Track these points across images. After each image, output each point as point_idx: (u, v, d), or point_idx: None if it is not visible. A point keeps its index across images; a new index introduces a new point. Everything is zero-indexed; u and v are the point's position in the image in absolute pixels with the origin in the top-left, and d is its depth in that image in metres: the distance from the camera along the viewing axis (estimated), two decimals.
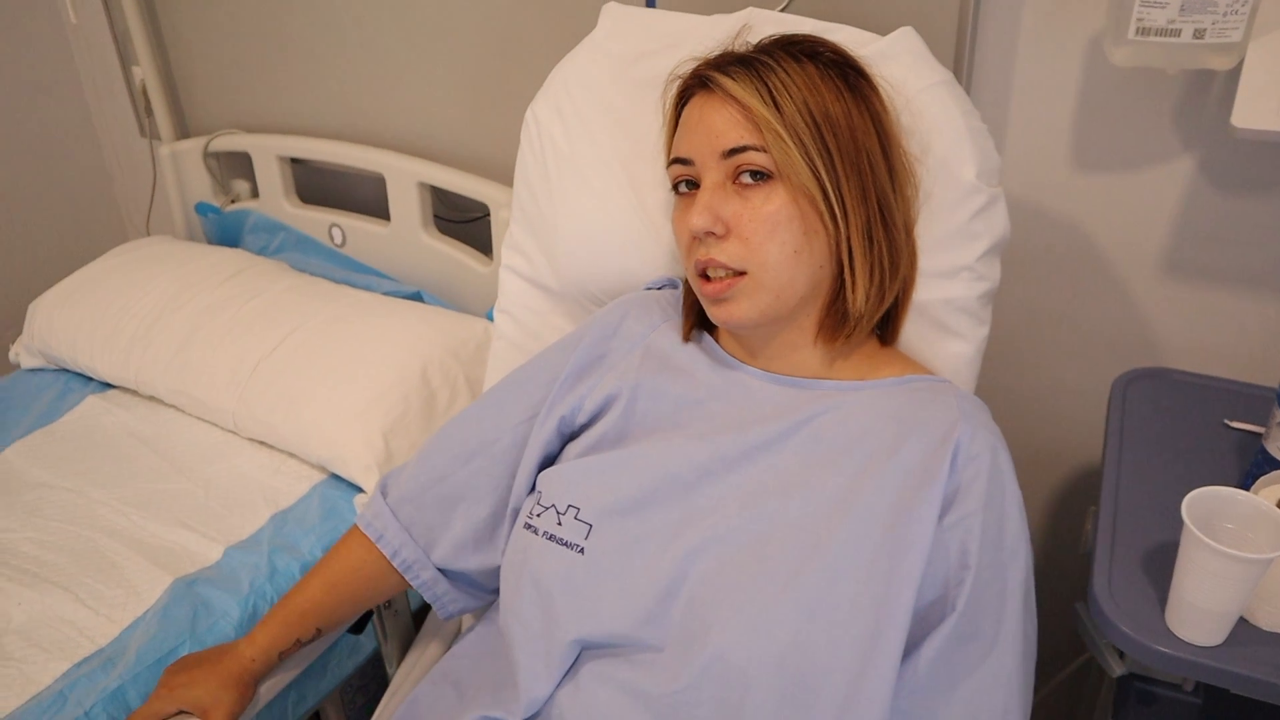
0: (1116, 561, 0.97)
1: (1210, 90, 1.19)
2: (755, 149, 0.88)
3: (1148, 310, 1.34)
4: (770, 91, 0.88)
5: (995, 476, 0.88)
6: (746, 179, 0.89)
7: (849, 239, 0.90)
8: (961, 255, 1.03)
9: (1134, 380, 1.25)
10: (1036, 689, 0.92)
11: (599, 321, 1.06)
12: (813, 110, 0.88)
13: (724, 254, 0.89)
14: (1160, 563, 0.96)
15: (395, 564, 1.07)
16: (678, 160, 0.94)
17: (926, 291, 1.03)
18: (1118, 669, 1.07)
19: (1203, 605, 0.86)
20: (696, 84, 0.94)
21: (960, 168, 1.01)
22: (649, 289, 1.12)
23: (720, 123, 0.89)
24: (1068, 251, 1.35)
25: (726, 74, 0.90)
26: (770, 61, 0.90)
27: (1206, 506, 0.87)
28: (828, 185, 0.88)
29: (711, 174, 0.90)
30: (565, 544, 0.90)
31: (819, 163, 0.88)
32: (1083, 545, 1.43)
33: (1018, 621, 0.86)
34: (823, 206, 0.88)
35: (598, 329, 1.04)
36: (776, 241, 0.88)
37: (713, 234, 0.89)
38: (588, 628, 0.88)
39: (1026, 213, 1.34)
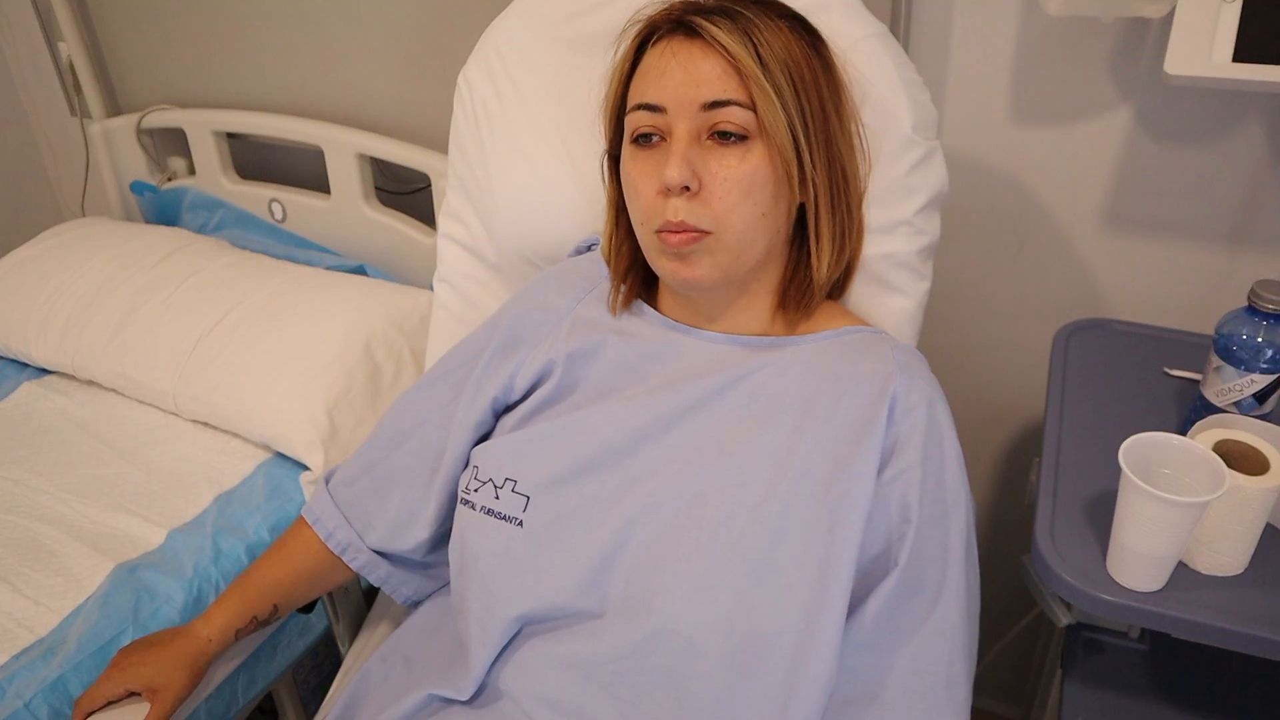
0: (1059, 512, 0.98)
1: (1145, 38, 1.19)
2: (739, 105, 0.84)
3: (1088, 261, 1.35)
4: (755, 45, 0.84)
5: (933, 428, 0.87)
6: (724, 135, 0.85)
7: (817, 205, 0.89)
8: (899, 210, 1.02)
9: (1076, 332, 1.25)
10: (989, 643, 0.92)
11: (518, 298, 1.05)
12: (790, 69, 0.85)
13: (693, 214, 0.85)
14: (1102, 511, 0.96)
15: (330, 545, 1.06)
16: (644, 106, 0.87)
17: (866, 247, 1.02)
18: (1064, 619, 1.08)
19: (1142, 551, 0.86)
20: (671, 29, 0.88)
21: (896, 121, 1.00)
22: (579, 249, 1.10)
23: (705, 71, 0.84)
24: (1008, 204, 1.35)
25: (711, 21, 0.85)
26: (748, 14, 0.85)
27: (1143, 453, 0.87)
28: (803, 148, 0.86)
29: (685, 124, 0.85)
30: (503, 518, 0.89)
31: (798, 124, 0.85)
32: (1028, 497, 1.44)
33: (960, 572, 0.86)
34: (795, 170, 0.86)
35: (517, 305, 1.03)
36: (749, 202, 0.85)
37: (686, 189, 0.84)
38: (529, 603, 0.87)
39: (966, 166, 1.34)
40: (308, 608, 1.26)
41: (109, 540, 1.36)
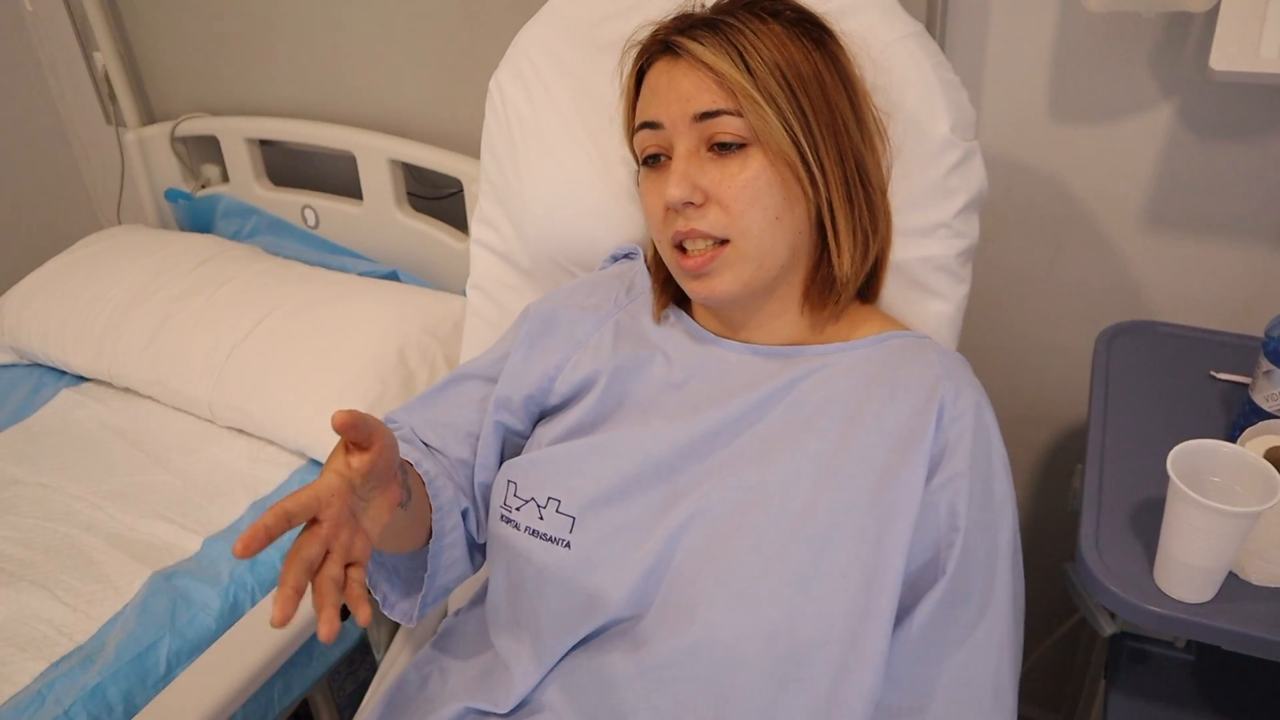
0: (1104, 520, 0.96)
1: (1188, 34, 1.16)
2: (730, 113, 0.85)
3: (1131, 262, 1.32)
4: (740, 54, 0.85)
5: (980, 434, 0.86)
6: (721, 146, 0.86)
7: (830, 202, 0.88)
8: (938, 212, 1.01)
9: (1118, 334, 1.23)
10: (1029, 650, 0.90)
11: (550, 296, 1.04)
12: (784, 71, 0.85)
13: (705, 223, 0.86)
14: (1148, 520, 0.94)
15: (419, 470, 0.90)
16: (646, 125, 0.90)
17: (904, 250, 1.01)
18: (1108, 628, 1.06)
19: (1191, 562, 0.84)
20: (659, 50, 0.90)
21: (933, 122, 0.99)
22: (614, 256, 1.09)
23: (690, 87, 0.86)
24: (1048, 205, 1.33)
25: (693, 38, 0.86)
26: (736, 23, 0.86)
27: (1192, 460, 0.85)
28: (805, 148, 0.85)
29: (684, 140, 0.87)
30: (550, 539, 0.88)
31: (796, 126, 0.85)
32: (1070, 504, 1.41)
33: (1007, 581, 0.85)
34: (801, 171, 0.86)
35: (549, 302, 1.03)
36: (758, 208, 0.86)
37: (691, 204, 0.86)
38: (584, 627, 0.86)
39: (1005, 166, 1.32)
40: (342, 614, 1.26)
41: (146, 547, 1.37)
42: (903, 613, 0.82)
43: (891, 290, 1.03)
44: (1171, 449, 0.85)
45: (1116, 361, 1.18)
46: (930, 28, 1.23)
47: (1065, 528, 1.56)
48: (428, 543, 0.92)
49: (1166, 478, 0.83)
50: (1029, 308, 1.42)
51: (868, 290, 1.01)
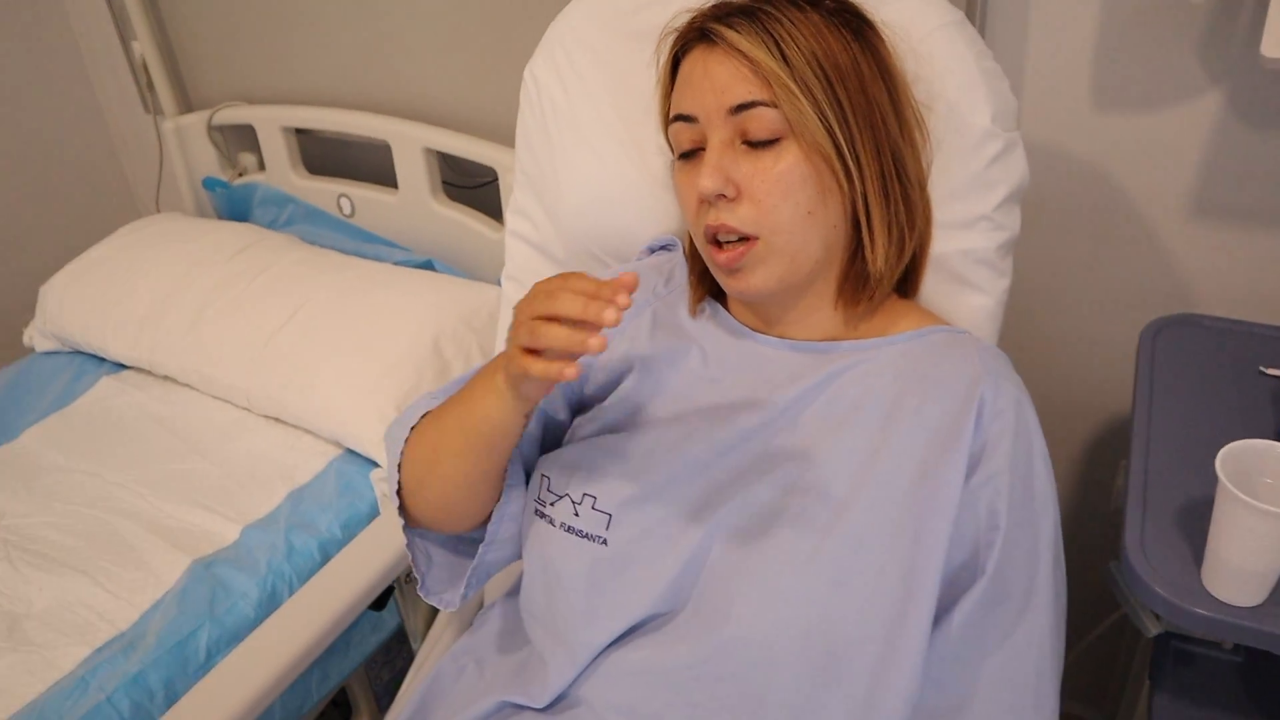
0: (1149, 519, 0.94)
1: (1238, 19, 1.13)
2: (765, 104, 0.84)
3: (1176, 254, 1.29)
4: (777, 43, 0.83)
5: (1021, 432, 0.84)
6: (756, 138, 0.85)
7: (865, 196, 0.87)
8: (979, 204, 0.99)
9: (1163, 328, 1.20)
10: (1068, 648, 0.89)
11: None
12: (821, 61, 0.84)
13: (735, 218, 0.85)
14: (1196, 519, 0.92)
15: None
16: (680, 117, 0.89)
17: (943, 243, 1.00)
18: (1153, 629, 1.05)
19: (1241, 564, 0.83)
20: (695, 38, 0.89)
21: (974, 113, 0.97)
22: (650, 249, 1.09)
23: (725, 77, 0.85)
24: (1090, 196, 1.30)
25: (729, 25, 0.85)
26: (774, 11, 0.85)
27: (1243, 460, 0.83)
28: (841, 141, 0.84)
29: (718, 132, 0.86)
30: (586, 536, 0.87)
31: (832, 117, 0.83)
32: (1114, 501, 1.39)
33: (1048, 580, 0.84)
34: (837, 164, 0.85)
35: None
36: (790, 202, 0.84)
37: (723, 196, 0.85)
38: (620, 623, 0.86)
39: (1046, 157, 1.29)
40: (379, 604, 1.27)
41: (185, 535, 1.38)
42: (941, 612, 0.81)
43: (931, 284, 1.02)
44: (1219, 447, 0.83)
45: (1161, 356, 1.16)
46: (970, 15, 1.21)
47: (1108, 525, 1.54)
48: (481, 526, 0.94)
49: (1213, 475, 0.82)
50: (1071, 301, 1.39)
51: (906, 285, 1.00)
